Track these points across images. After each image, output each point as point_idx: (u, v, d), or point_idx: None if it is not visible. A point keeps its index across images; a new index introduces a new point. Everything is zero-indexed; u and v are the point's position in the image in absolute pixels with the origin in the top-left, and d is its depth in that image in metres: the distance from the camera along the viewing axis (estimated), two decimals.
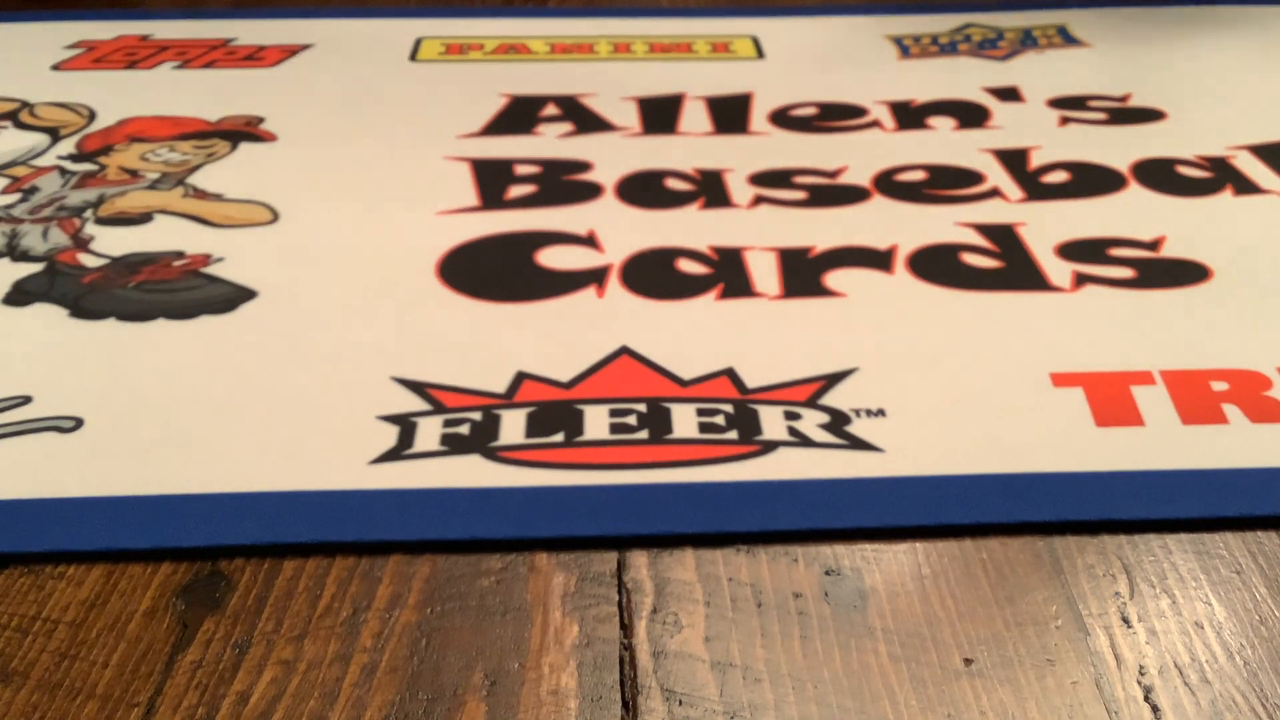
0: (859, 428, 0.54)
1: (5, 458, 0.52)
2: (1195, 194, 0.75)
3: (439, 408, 0.55)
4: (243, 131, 0.84)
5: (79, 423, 0.55)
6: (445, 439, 0.53)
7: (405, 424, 0.54)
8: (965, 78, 0.94)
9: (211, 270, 0.67)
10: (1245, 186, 0.76)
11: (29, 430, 0.54)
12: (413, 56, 0.99)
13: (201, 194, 0.76)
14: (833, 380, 0.57)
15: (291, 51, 0.99)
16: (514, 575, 0.47)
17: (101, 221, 0.72)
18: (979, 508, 0.49)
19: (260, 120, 0.86)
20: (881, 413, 0.55)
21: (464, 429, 0.54)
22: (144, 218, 0.73)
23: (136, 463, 0.52)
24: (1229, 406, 0.55)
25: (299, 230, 0.72)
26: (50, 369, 0.58)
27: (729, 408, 0.55)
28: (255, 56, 0.98)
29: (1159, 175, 0.77)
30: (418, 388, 0.57)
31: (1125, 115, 0.87)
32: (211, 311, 0.63)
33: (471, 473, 0.51)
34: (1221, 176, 0.77)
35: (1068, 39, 1.02)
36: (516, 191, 0.76)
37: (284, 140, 0.83)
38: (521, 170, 0.79)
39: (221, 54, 0.99)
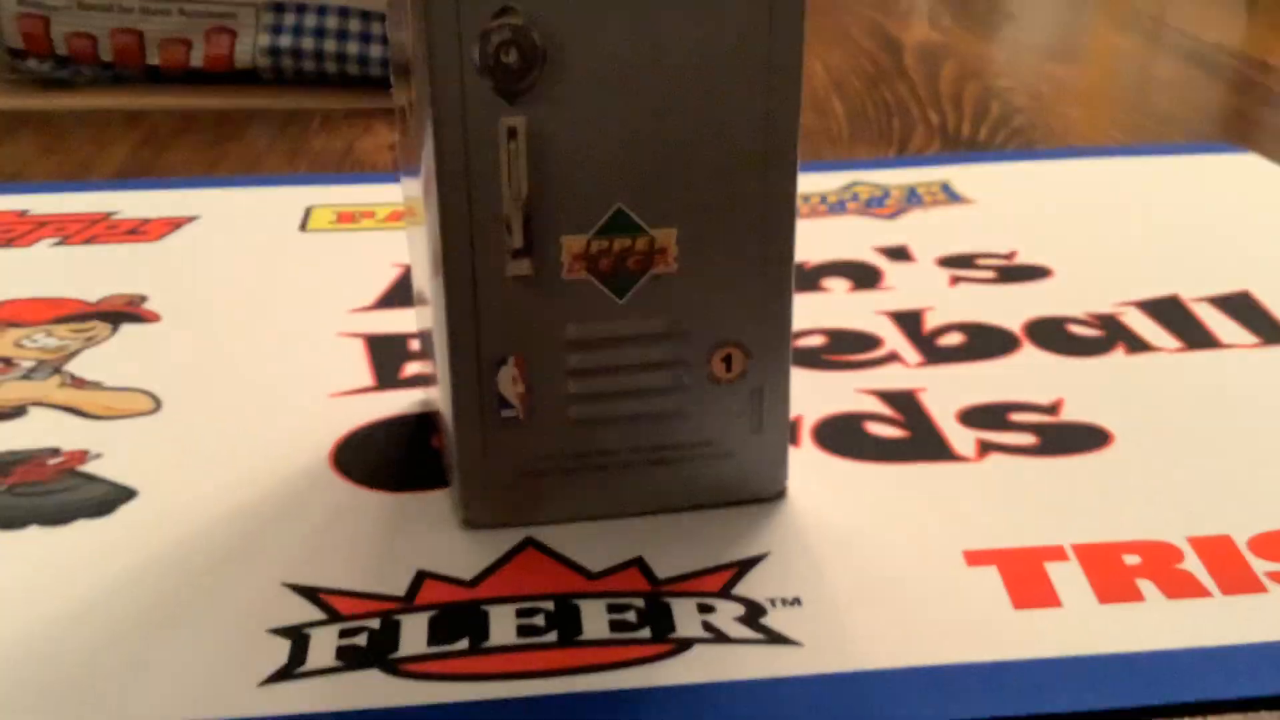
0: (775, 619, 0.52)
1: None
2: (1088, 353, 0.76)
3: (334, 615, 0.52)
4: (124, 312, 0.81)
5: None
6: (341, 652, 0.50)
7: (298, 636, 0.51)
8: (856, 237, 0.95)
9: (89, 468, 0.64)
10: (1136, 345, 0.77)
11: None
12: (303, 226, 0.97)
13: (80, 382, 0.72)
14: (745, 566, 0.56)
15: (176, 224, 0.97)
16: None
17: None
18: (903, 707, 0.47)
19: (143, 299, 0.83)
20: (797, 601, 0.53)
21: (361, 639, 0.51)
22: (18, 411, 0.69)
23: (5, 695, 0.48)
24: (1143, 582, 0.54)
25: (182, 419, 0.69)
26: None
27: (640, 602, 0.53)
28: (138, 230, 0.96)
29: (1051, 334, 0.78)
30: (310, 593, 0.54)
31: (1013, 273, 0.88)
32: (88, 515, 0.60)
33: (370, 691, 0.48)
34: (1112, 334, 0.78)
35: (951, 195, 1.04)
36: (412, 369, 0.74)
37: (167, 320, 0.80)
38: (416, 345, 0.77)
39: (103, 228, 0.96)
